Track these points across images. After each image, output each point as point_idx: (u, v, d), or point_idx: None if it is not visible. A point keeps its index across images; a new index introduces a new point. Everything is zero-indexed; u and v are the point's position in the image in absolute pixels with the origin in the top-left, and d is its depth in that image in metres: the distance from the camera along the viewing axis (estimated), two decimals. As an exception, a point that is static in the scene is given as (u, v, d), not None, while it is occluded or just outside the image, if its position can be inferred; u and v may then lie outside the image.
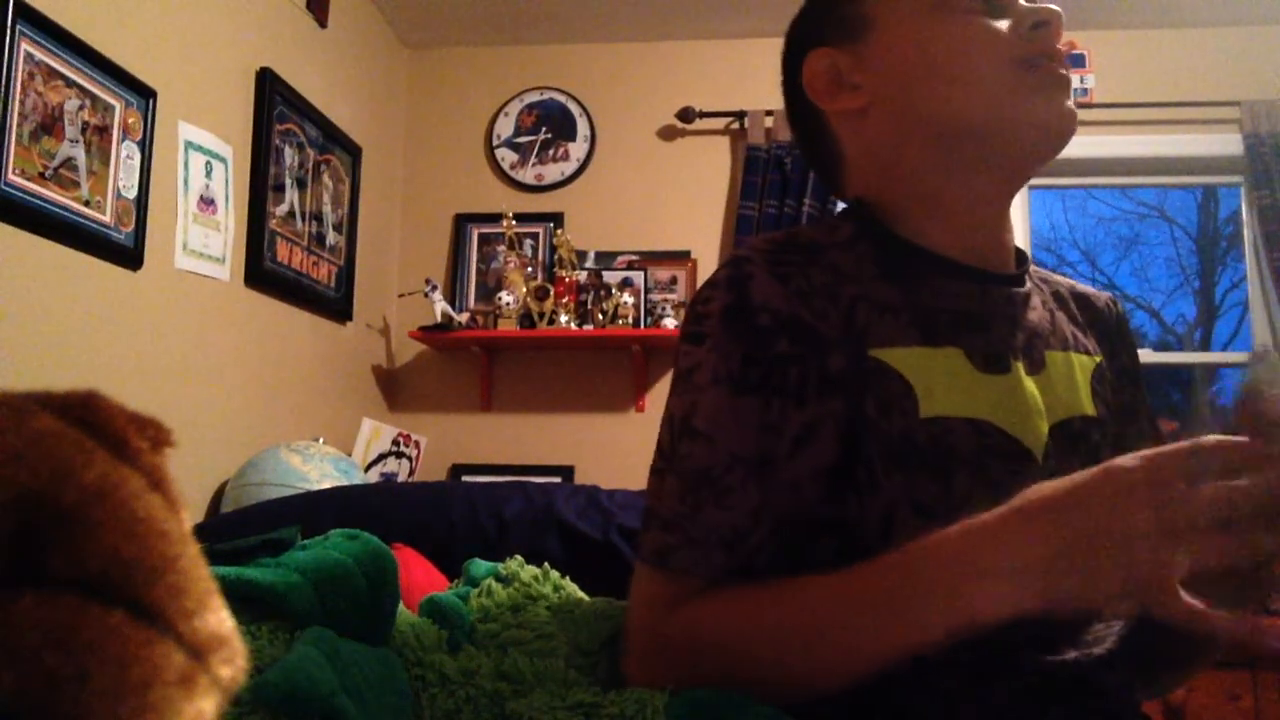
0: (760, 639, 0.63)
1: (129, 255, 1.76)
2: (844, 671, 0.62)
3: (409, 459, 2.74)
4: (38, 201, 1.55)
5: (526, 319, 2.81)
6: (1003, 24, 0.73)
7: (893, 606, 0.60)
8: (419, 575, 0.97)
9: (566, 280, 2.81)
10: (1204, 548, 0.51)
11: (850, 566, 0.63)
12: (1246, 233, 2.94)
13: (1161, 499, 0.52)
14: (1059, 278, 0.89)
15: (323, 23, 2.53)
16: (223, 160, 2.08)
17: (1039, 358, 0.76)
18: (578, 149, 3.05)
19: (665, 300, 2.84)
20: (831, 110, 0.82)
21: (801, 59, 0.82)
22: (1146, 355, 3.07)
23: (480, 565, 0.89)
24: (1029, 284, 0.80)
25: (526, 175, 3.06)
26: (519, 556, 0.88)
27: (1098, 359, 0.81)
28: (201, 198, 2.00)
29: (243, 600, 0.64)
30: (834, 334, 0.70)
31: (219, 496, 2.03)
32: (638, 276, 2.87)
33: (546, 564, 0.87)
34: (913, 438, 0.67)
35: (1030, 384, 0.73)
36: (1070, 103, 0.73)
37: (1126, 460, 0.55)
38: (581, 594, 0.85)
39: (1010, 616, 0.56)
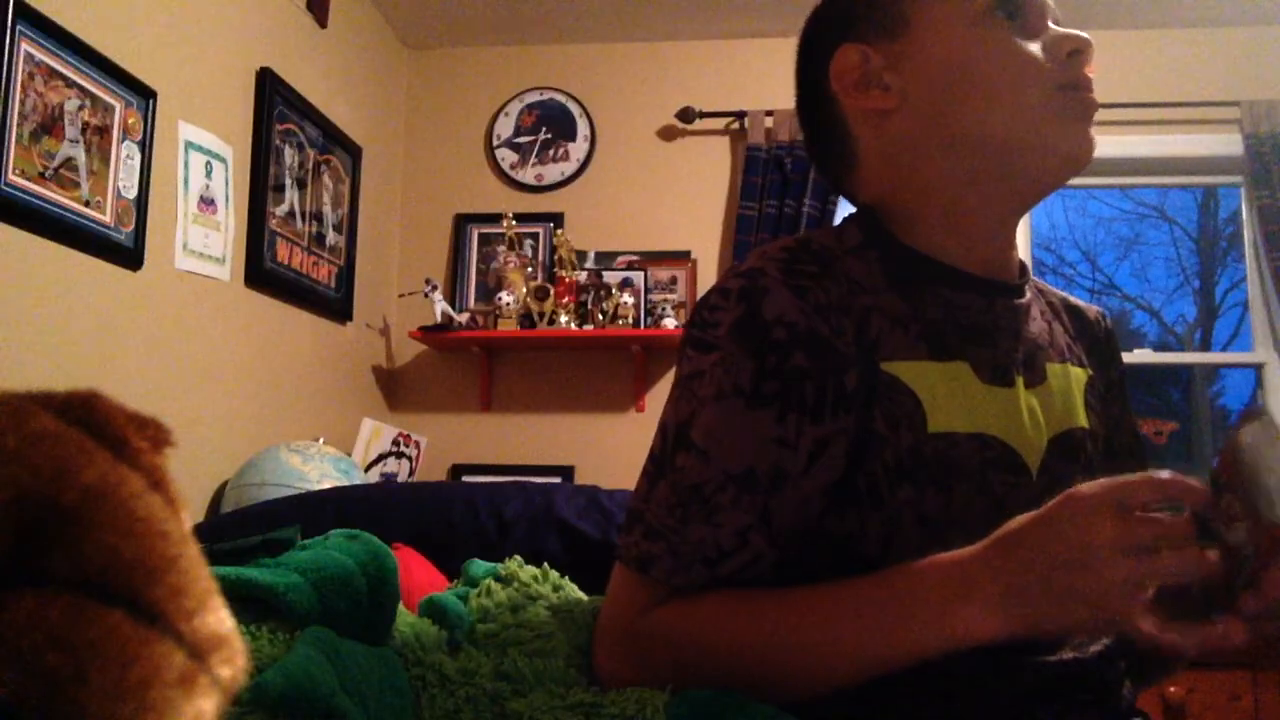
0: (738, 646, 0.64)
1: (129, 255, 1.76)
2: (817, 683, 0.63)
3: (409, 459, 2.74)
4: (38, 201, 1.55)
5: (526, 319, 2.81)
6: (1036, 47, 0.73)
7: (875, 625, 0.61)
8: (419, 575, 0.97)
9: (566, 280, 2.81)
10: (1163, 568, 0.53)
11: (834, 582, 0.64)
12: (1246, 233, 2.94)
13: (1121, 523, 0.54)
14: (1052, 290, 0.90)
15: (323, 23, 2.53)
16: (223, 160, 2.08)
17: (1040, 370, 0.76)
18: (578, 149, 3.05)
19: (665, 300, 2.84)
20: (857, 108, 0.79)
21: (827, 50, 0.80)
22: (1146, 355, 3.07)
23: (479, 565, 0.90)
24: (1029, 294, 0.80)
25: (526, 175, 3.06)
26: (518, 557, 0.88)
27: (1089, 372, 0.82)
28: (201, 198, 2.00)
29: (243, 600, 0.64)
30: (850, 350, 0.69)
31: (219, 496, 2.03)
32: (638, 276, 2.87)
33: (546, 564, 0.87)
34: (920, 452, 0.68)
35: (1030, 397, 0.74)
36: (1092, 135, 0.73)
37: (1086, 487, 0.56)
38: (581, 594, 0.85)
39: (990, 640, 0.58)
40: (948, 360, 0.71)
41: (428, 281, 2.78)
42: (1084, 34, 0.73)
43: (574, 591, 0.85)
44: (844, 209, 2.57)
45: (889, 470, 0.67)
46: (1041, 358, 0.77)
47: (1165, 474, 0.55)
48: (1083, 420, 0.77)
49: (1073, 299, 0.90)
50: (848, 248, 0.76)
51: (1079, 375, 0.80)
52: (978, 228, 0.76)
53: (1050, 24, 0.76)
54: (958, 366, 0.71)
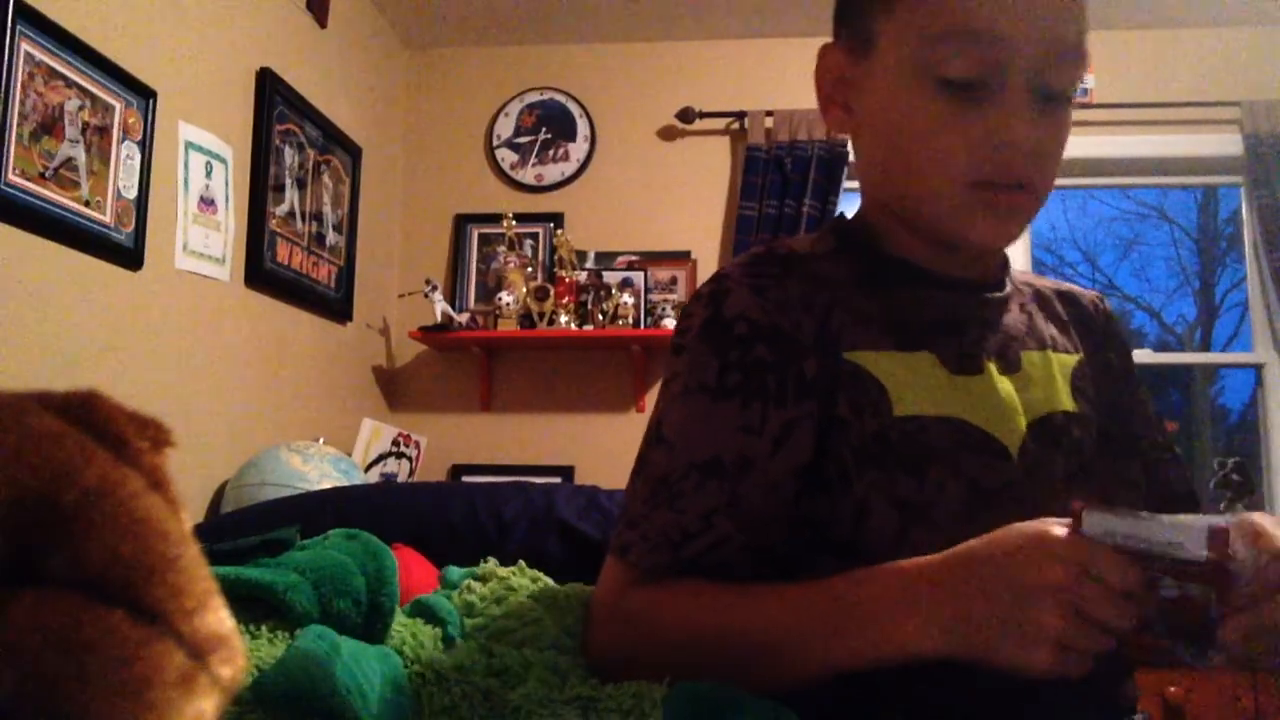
0: (703, 636, 0.67)
1: (129, 255, 1.76)
2: (768, 679, 0.64)
3: (409, 459, 2.74)
4: (38, 201, 1.55)
5: (526, 319, 2.81)
6: (974, 125, 0.68)
7: (820, 630, 0.63)
8: (419, 575, 0.97)
9: (566, 280, 2.81)
10: (1086, 638, 0.55)
11: (795, 583, 0.66)
12: (1246, 233, 2.94)
13: (1074, 582, 0.54)
14: (1044, 280, 0.90)
15: (323, 23, 2.53)
16: (223, 160, 2.08)
17: (1014, 358, 0.77)
18: (578, 149, 3.05)
19: (665, 300, 2.84)
20: (828, 122, 0.82)
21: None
22: (1146, 355, 3.06)
23: (455, 571, 0.93)
24: (1009, 287, 0.81)
25: (526, 175, 3.06)
26: (493, 559, 0.91)
27: (1078, 356, 0.82)
28: (201, 198, 2.00)
29: (243, 600, 0.64)
30: (809, 339, 0.72)
31: (219, 496, 2.03)
32: (638, 276, 2.87)
33: (521, 561, 0.89)
34: (886, 435, 0.69)
35: (1005, 383, 0.74)
36: (1014, 225, 0.71)
37: (1062, 533, 0.57)
38: (557, 585, 0.87)
39: (931, 656, 0.59)
40: (912, 351, 0.73)
41: (428, 281, 2.78)
42: (1024, 124, 0.67)
43: (550, 583, 0.87)
44: (843, 209, 2.57)
45: (856, 454, 0.69)
46: (1016, 347, 0.78)
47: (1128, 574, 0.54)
48: (1067, 404, 0.77)
49: (1066, 285, 0.91)
50: (818, 252, 0.79)
51: (1065, 361, 0.80)
52: (937, 242, 0.77)
53: (1018, 96, 0.67)
54: (922, 356, 0.73)
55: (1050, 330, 0.82)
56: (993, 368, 0.75)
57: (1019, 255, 2.94)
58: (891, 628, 0.60)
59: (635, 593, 0.70)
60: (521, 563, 0.89)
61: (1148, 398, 0.88)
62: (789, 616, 0.64)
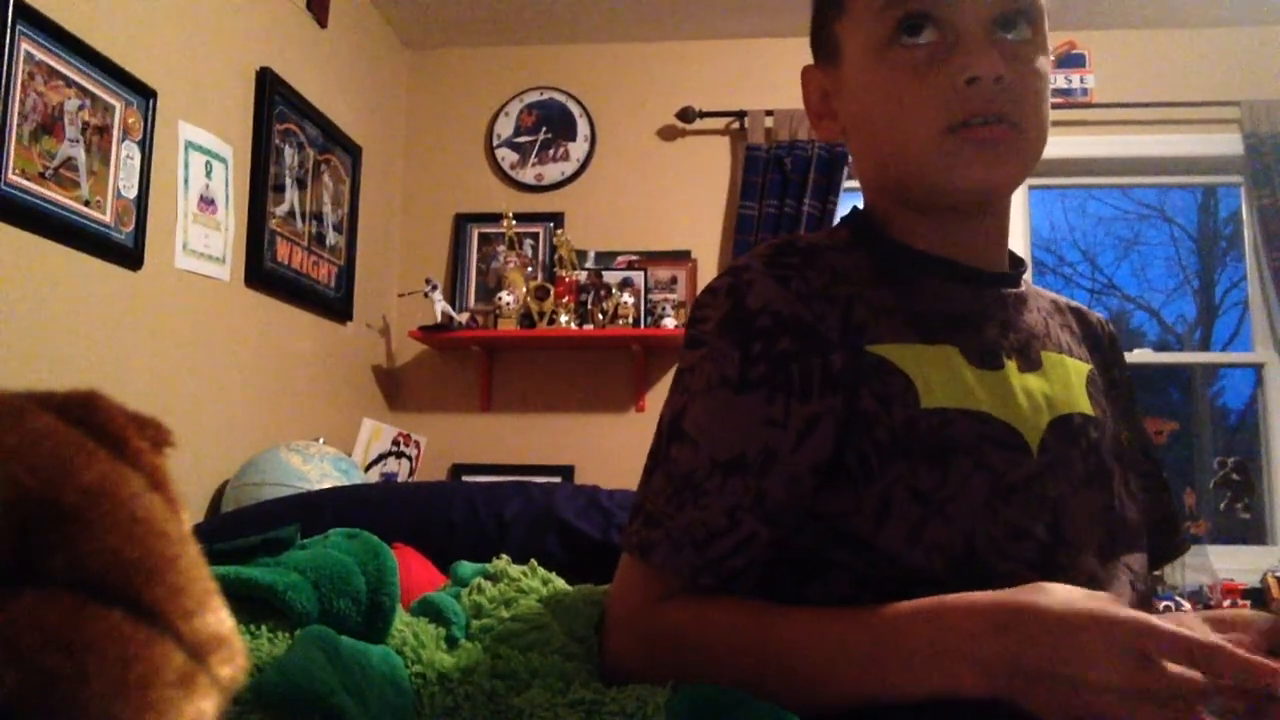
0: (740, 660, 0.65)
1: (129, 255, 1.76)
2: (814, 704, 0.63)
3: (409, 459, 2.74)
4: (38, 201, 1.55)
5: (526, 319, 2.81)
6: (941, 76, 0.70)
7: (868, 666, 0.62)
8: (419, 575, 0.97)
9: (566, 280, 2.81)
10: None
11: (835, 610, 0.65)
12: (1246, 233, 2.94)
13: (1137, 672, 0.52)
14: (1054, 294, 0.92)
15: (323, 23, 2.54)
16: (223, 160, 2.08)
17: (1035, 357, 0.77)
18: (578, 149, 3.06)
19: (665, 300, 2.84)
20: (820, 135, 0.85)
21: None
22: (1146, 355, 3.07)
23: (467, 566, 0.91)
24: (1024, 287, 0.82)
25: (526, 175, 3.06)
26: (505, 556, 0.89)
27: (1090, 366, 0.82)
28: (201, 198, 2.00)
29: (243, 600, 0.64)
30: (833, 334, 0.71)
31: (219, 496, 2.03)
32: (638, 276, 2.87)
33: (533, 560, 0.88)
34: (914, 427, 0.69)
35: (1026, 380, 0.74)
36: (1003, 164, 0.71)
37: (1127, 614, 0.55)
38: (568, 587, 0.86)
39: (974, 696, 0.58)
40: (935, 344, 0.73)
41: (428, 281, 2.78)
42: (985, 59, 0.68)
43: (562, 585, 0.86)
44: (844, 209, 2.58)
45: (881, 447, 0.68)
46: (1036, 346, 0.78)
47: (1215, 643, 0.52)
48: (1085, 407, 0.77)
49: (1074, 302, 0.92)
50: (834, 244, 0.79)
51: (1079, 367, 0.81)
52: (942, 229, 0.78)
53: (976, 38, 0.70)
54: (946, 350, 0.73)
55: (1064, 337, 0.83)
56: (1013, 364, 0.75)
57: (1019, 254, 2.95)
58: (943, 672, 0.59)
59: (664, 609, 0.68)
60: (533, 562, 0.88)
61: (1140, 418, 0.89)
62: (830, 646, 0.63)
